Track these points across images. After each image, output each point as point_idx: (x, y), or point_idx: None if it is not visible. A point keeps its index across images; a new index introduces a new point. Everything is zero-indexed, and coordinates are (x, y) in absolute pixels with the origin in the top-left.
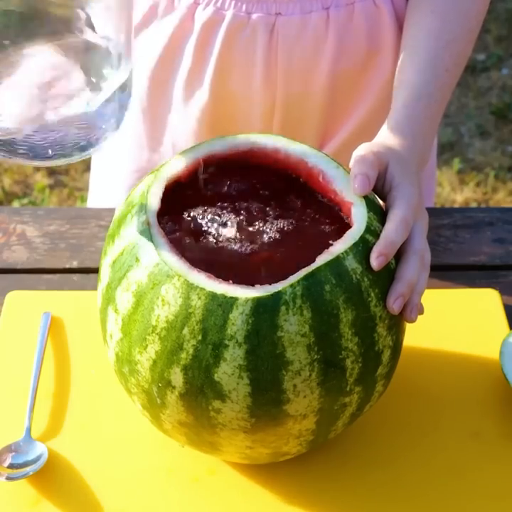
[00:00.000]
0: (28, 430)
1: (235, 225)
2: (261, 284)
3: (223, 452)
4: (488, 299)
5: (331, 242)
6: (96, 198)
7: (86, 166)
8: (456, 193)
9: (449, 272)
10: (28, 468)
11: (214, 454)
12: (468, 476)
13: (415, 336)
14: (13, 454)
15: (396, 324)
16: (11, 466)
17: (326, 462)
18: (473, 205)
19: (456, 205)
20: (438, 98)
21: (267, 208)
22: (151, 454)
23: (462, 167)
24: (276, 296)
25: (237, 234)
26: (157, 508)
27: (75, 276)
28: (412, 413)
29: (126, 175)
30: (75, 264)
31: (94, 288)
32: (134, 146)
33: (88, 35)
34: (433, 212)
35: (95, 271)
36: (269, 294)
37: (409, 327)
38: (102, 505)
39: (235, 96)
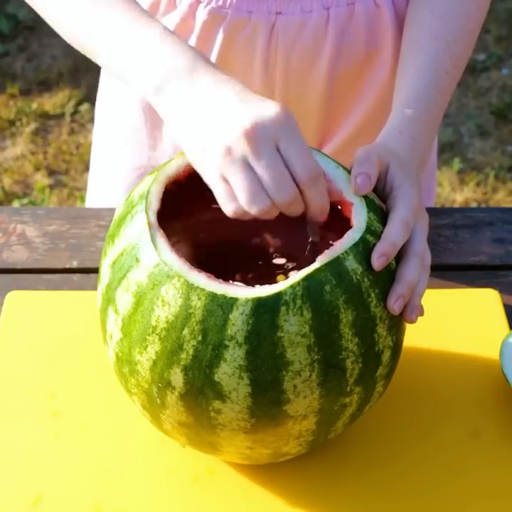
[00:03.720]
0: None
1: (235, 226)
2: (261, 284)
3: (223, 452)
4: (488, 299)
5: (331, 242)
6: (95, 196)
7: (86, 166)
8: (456, 193)
9: (449, 271)
10: None
11: (214, 454)
12: (467, 475)
13: (415, 336)
14: None
15: (396, 325)
16: None
17: (326, 462)
18: (473, 205)
19: (456, 205)
20: (438, 100)
21: None
22: (151, 454)
23: (462, 167)
24: (277, 296)
25: (237, 234)
26: (157, 508)
27: (75, 276)
28: (412, 413)
29: (125, 173)
30: (75, 264)
31: (94, 288)
32: (133, 143)
33: None
34: (433, 212)
35: (95, 271)
36: (269, 294)
37: (409, 327)
38: (102, 505)
39: None
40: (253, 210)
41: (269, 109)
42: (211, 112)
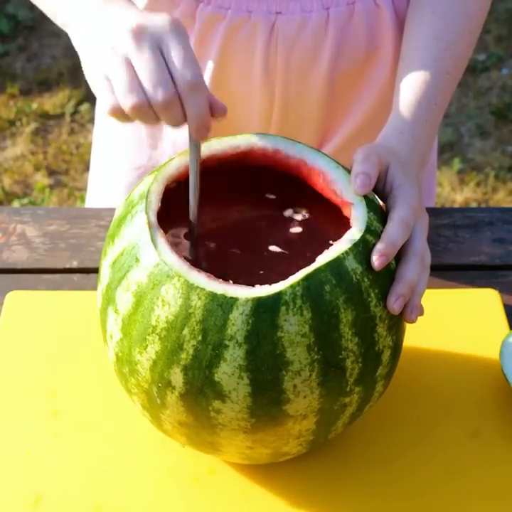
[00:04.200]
0: None
1: (235, 226)
2: (261, 284)
3: (223, 452)
4: (488, 299)
5: (331, 242)
6: (95, 196)
7: (86, 166)
8: (456, 193)
9: (449, 271)
10: None
11: (214, 454)
12: (467, 475)
13: (415, 335)
14: None
15: (396, 324)
16: None
17: (326, 462)
18: (473, 205)
19: (456, 205)
20: (438, 100)
21: (267, 209)
22: (151, 454)
23: (462, 167)
24: (277, 296)
25: (237, 234)
26: (157, 508)
27: (75, 276)
28: (411, 413)
29: (126, 172)
30: (75, 264)
31: (94, 288)
32: (134, 143)
33: None
34: (433, 212)
35: (95, 271)
36: (269, 294)
37: (409, 327)
38: (102, 505)
39: (234, 94)
40: (127, 104)
41: (161, 16)
42: (107, 23)
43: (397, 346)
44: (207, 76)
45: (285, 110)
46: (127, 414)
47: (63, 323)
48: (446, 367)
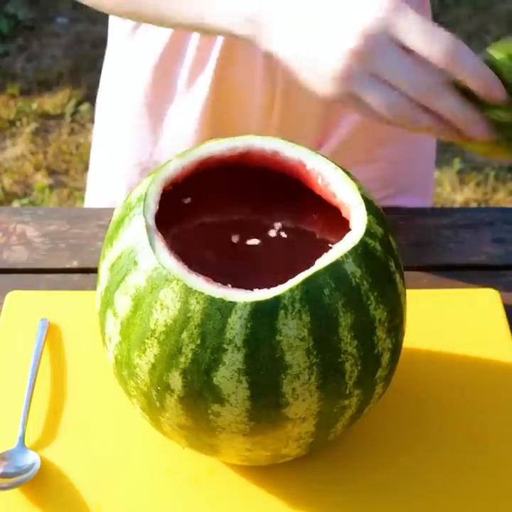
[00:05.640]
0: (22, 439)
1: (234, 228)
2: (260, 288)
3: (223, 454)
4: (488, 299)
5: (330, 245)
6: (95, 193)
7: (86, 166)
8: (456, 193)
9: (449, 271)
10: (19, 478)
11: (214, 456)
12: (468, 476)
13: (415, 336)
14: (6, 463)
15: (395, 327)
16: (3, 476)
17: (325, 463)
18: (473, 205)
19: (456, 205)
20: None
21: (266, 211)
22: (151, 455)
23: (462, 167)
24: (275, 300)
25: (236, 237)
26: (157, 508)
27: (75, 276)
28: (411, 414)
29: (127, 169)
30: (75, 264)
31: (94, 288)
32: (135, 139)
33: None
34: (433, 212)
35: (95, 271)
36: (267, 298)
37: (408, 327)
38: (102, 505)
39: (235, 91)
40: None
41: None
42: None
43: (396, 348)
44: (208, 74)
45: (286, 107)
46: (127, 413)
47: (63, 323)
48: (446, 367)
